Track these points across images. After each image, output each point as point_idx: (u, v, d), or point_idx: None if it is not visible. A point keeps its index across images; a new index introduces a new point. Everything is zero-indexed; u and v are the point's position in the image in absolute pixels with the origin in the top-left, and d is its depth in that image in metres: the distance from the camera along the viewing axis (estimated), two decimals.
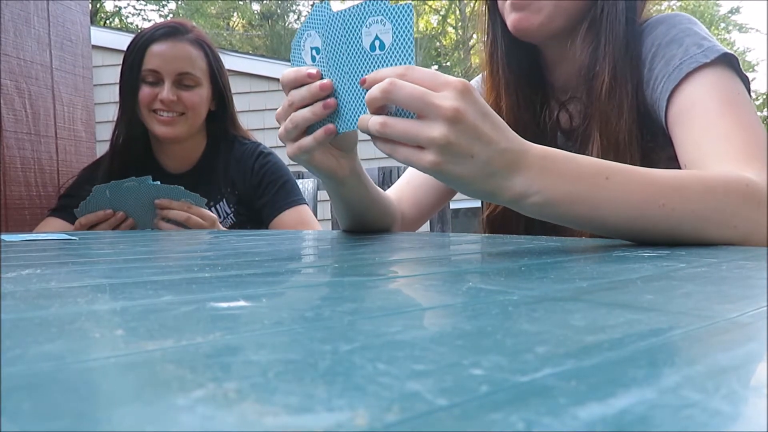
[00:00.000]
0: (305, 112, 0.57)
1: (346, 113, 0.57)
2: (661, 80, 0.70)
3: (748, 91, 0.68)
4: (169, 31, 1.22)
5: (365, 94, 0.53)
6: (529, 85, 0.83)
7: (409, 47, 0.53)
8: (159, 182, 1.10)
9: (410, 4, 0.53)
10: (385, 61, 0.54)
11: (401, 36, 0.53)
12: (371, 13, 0.55)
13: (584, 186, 0.50)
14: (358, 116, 0.56)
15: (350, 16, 0.56)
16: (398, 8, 0.53)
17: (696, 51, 0.67)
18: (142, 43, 1.21)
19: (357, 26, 0.56)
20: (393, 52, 0.54)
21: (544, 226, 0.81)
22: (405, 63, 0.53)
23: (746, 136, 0.62)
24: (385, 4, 0.54)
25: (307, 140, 0.58)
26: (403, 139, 0.49)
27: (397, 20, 0.53)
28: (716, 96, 0.65)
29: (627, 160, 0.72)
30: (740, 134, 0.62)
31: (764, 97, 15.38)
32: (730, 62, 0.67)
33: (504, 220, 0.85)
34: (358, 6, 0.55)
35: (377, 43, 0.55)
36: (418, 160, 0.49)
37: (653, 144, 0.74)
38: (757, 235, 0.53)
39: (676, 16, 0.74)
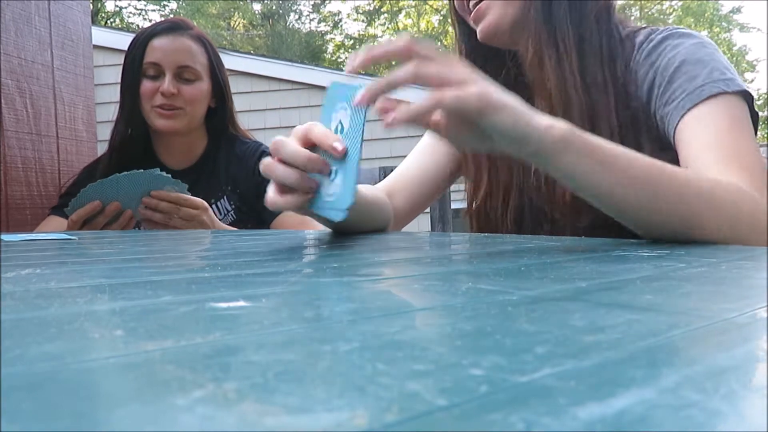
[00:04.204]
0: (293, 174, 0.58)
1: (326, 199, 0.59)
2: (680, 94, 0.72)
3: (756, 126, 0.73)
4: (171, 26, 1.23)
5: (329, 178, 0.58)
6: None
7: (357, 130, 0.56)
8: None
9: (360, 84, 0.56)
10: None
11: (355, 118, 0.57)
12: (338, 97, 0.59)
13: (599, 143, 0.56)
14: (325, 201, 0.58)
15: (330, 97, 0.61)
16: (354, 90, 0.57)
17: (719, 76, 0.71)
18: (143, 38, 1.22)
19: (328, 111, 0.60)
20: (347, 135, 0.57)
21: (533, 218, 0.82)
22: (354, 144, 0.56)
23: (752, 159, 0.66)
24: (343, 86, 0.59)
25: (293, 201, 0.60)
26: (438, 77, 0.53)
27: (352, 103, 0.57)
28: (729, 118, 0.69)
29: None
30: (746, 155, 0.66)
31: (765, 97, 15.37)
32: (746, 98, 0.71)
33: (488, 214, 0.86)
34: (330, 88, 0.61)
35: (339, 126, 0.59)
36: (467, 93, 0.51)
37: (637, 137, 0.76)
38: (733, 239, 0.57)
39: (705, 40, 0.76)
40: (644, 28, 0.80)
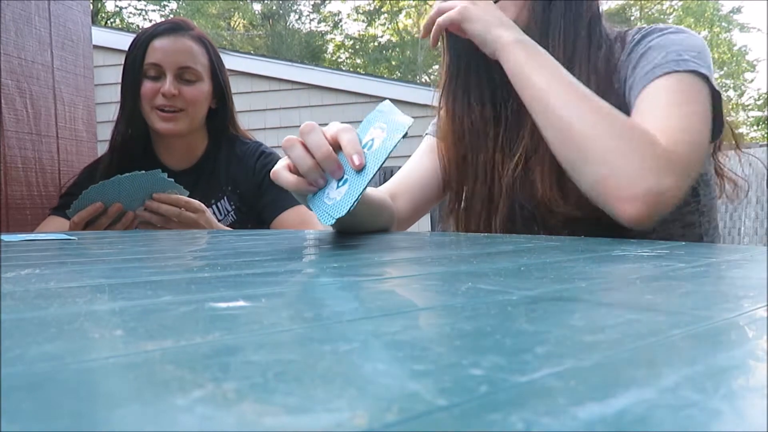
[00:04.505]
0: (309, 161, 0.59)
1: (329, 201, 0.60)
2: (638, 79, 0.75)
3: (719, 103, 0.73)
4: (172, 27, 1.23)
5: (340, 184, 0.59)
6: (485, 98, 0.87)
7: (382, 154, 0.58)
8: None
9: (407, 123, 0.60)
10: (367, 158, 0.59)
11: (386, 143, 0.59)
12: (384, 117, 0.63)
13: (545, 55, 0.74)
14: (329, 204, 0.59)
15: (373, 115, 0.64)
16: (398, 120, 0.61)
17: (674, 58, 0.73)
18: (144, 38, 1.22)
19: (369, 123, 0.63)
20: (371, 151, 0.59)
21: (523, 216, 0.82)
22: (374, 165, 0.57)
23: (679, 126, 0.68)
24: (394, 111, 0.62)
25: (300, 183, 0.61)
26: (447, 7, 0.76)
27: (391, 130, 0.60)
28: (672, 93, 0.71)
29: None
30: (675, 124, 0.68)
31: (765, 97, 15.37)
32: (701, 76, 0.72)
33: (469, 221, 0.89)
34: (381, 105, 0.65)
35: (370, 142, 0.60)
36: (452, 11, 0.75)
37: None
38: (619, 169, 0.65)
39: (679, 30, 0.78)
40: (631, 29, 0.82)
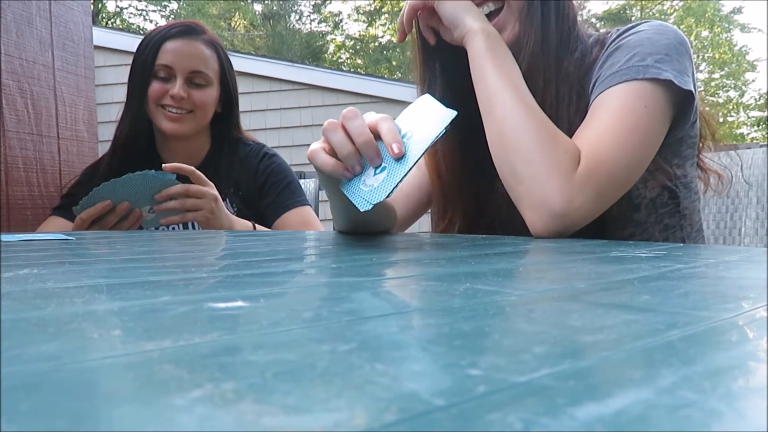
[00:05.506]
0: (349, 146, 0.59)
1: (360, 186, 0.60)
2: (598, 82, 0.75)
3: (689, 108, 0.73)
4: (185, 30, 1.23)
5: (370, 173, 0.60)
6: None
7: (424, 143, 0.58)
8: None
9: (451, 116, 0.59)
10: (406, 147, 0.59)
11: (428, 134, 0.58)
12: (423, 109, 0.63)
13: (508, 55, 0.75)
14: (361, 190, 0.59)
15: (415, 106, 0.64)
16: (440, 112, 0.60)
17: (636, 63, 0.71)
18: (157, 39, 1.22)
19: (406, 115, 0.63)
20: (411, 141, 0.59)
21: (503, 231, 0.83)
22: (414, 154, 0.58)
23: (614, 143, 0.68)
24: (435, 103, 0.62)
25: (336, 168, 0.61)
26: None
27: (433, 121, 0.60)
28: (625, 104, 0.70)
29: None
30: (611, 138, 0.68)
31: (765, 97, 15.37)
32: (663, 82, 0.70)
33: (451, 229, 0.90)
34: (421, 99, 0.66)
35: (409, 133, 0.60)
36: None
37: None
38: (534, 176, 0.67)
39: (654, 27, 0.76)
40: (611, 31, 0.81)
